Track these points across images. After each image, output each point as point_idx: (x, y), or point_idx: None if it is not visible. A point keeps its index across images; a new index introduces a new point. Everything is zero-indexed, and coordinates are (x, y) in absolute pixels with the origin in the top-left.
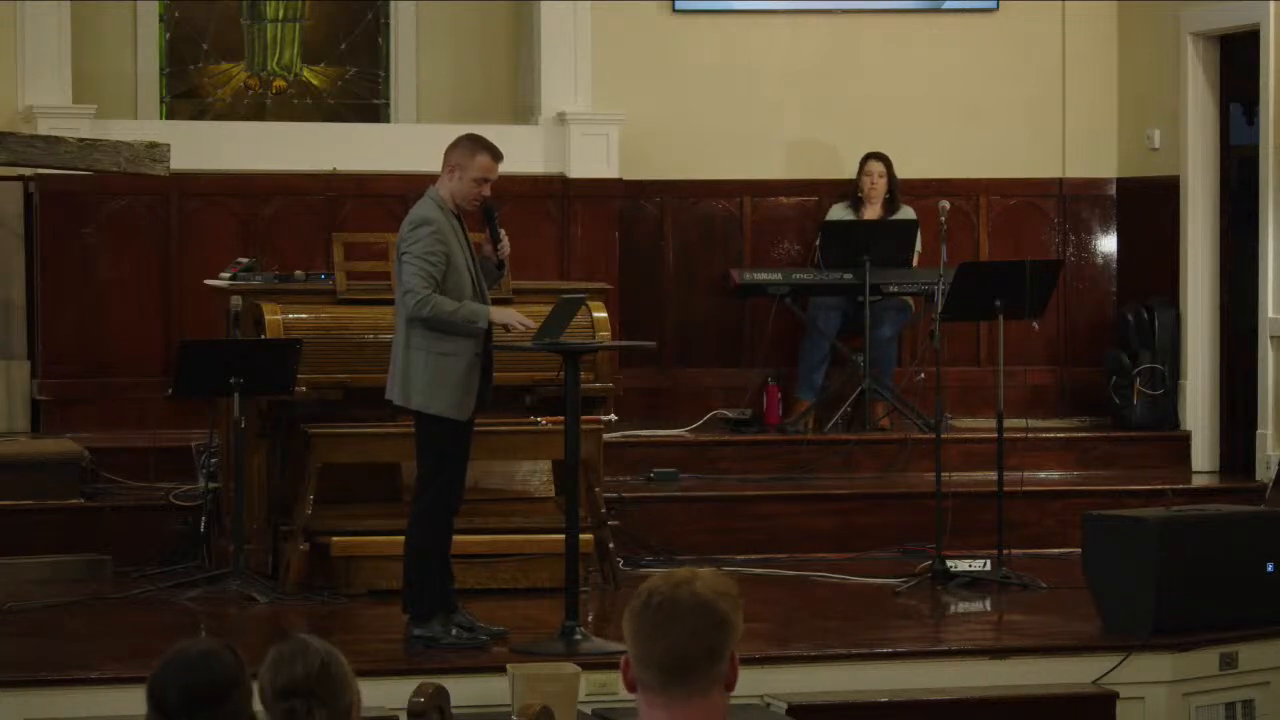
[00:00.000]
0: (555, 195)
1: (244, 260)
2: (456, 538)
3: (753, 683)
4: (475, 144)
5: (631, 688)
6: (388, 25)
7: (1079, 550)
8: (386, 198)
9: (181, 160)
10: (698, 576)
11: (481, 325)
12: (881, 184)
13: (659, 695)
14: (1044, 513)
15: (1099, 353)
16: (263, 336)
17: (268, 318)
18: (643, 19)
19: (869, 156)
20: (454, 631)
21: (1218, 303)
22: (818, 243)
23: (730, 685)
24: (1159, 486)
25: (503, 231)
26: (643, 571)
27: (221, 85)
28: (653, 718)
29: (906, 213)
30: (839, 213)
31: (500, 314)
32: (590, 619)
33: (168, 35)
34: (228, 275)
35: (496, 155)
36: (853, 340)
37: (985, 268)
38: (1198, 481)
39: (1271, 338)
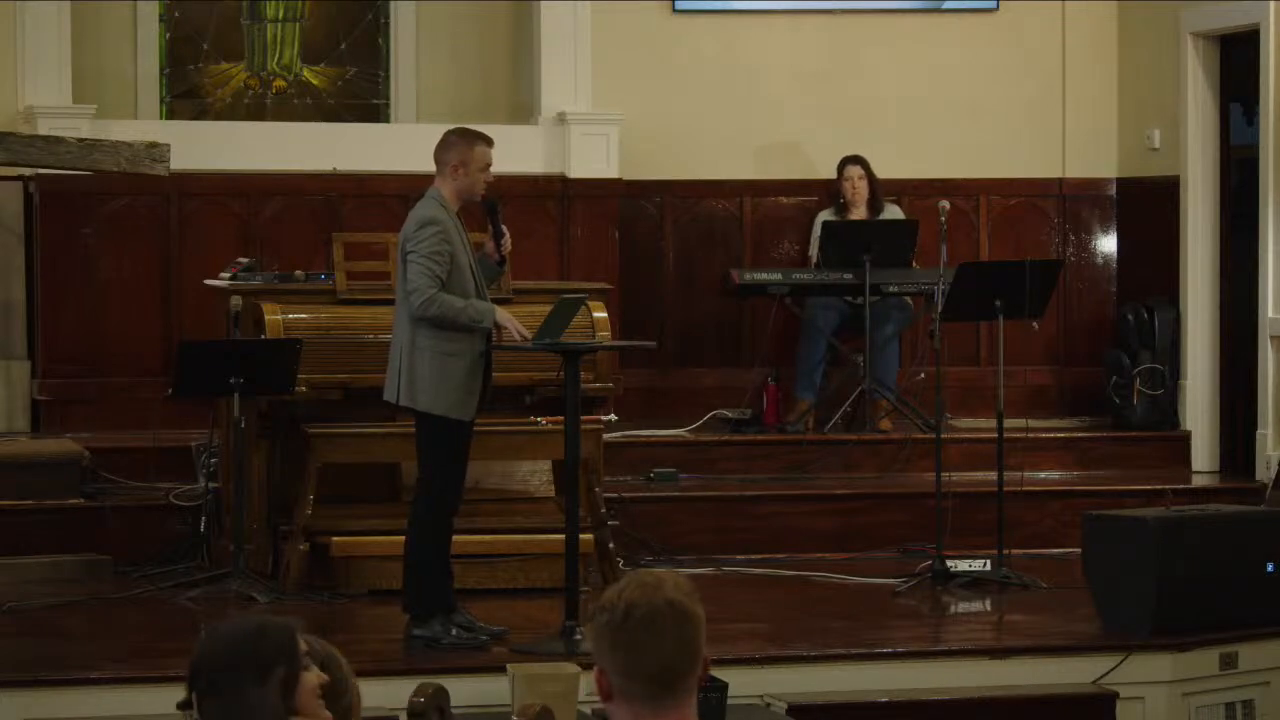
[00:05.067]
0: (555, 195)
1: (244, 260)
2: (456, 538)
3: (753, 683)
4: (470, 137)
5: (608, 698)
6: (388, 25)
7: (1079, 550)
8: (386, 198)
9: (181, 160)
10: (664, 581)
11: (487, 325)
12: (863, 186)
13: (646, 705)
14: (1044, 513)
15: (1099, 353)
16: (263, 336)
17: (268, 318)
18: (643, 19)
19: (846, 161)
20: (454, 631)
21: (1218, 303)
22: (813, 251)
23: (703, 681)
24: (1159, 486)
25: (504, 227)
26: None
27: (221, 85)
28: None
29: (893, 211)
30: (826, 218)
31: (505, 317)
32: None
33: (168, 35)
34: (228, 275)
35: (491, 142)
36: (853, 340)
37: (985, 268)
38: (1198, 481)
39: (1271, 338)
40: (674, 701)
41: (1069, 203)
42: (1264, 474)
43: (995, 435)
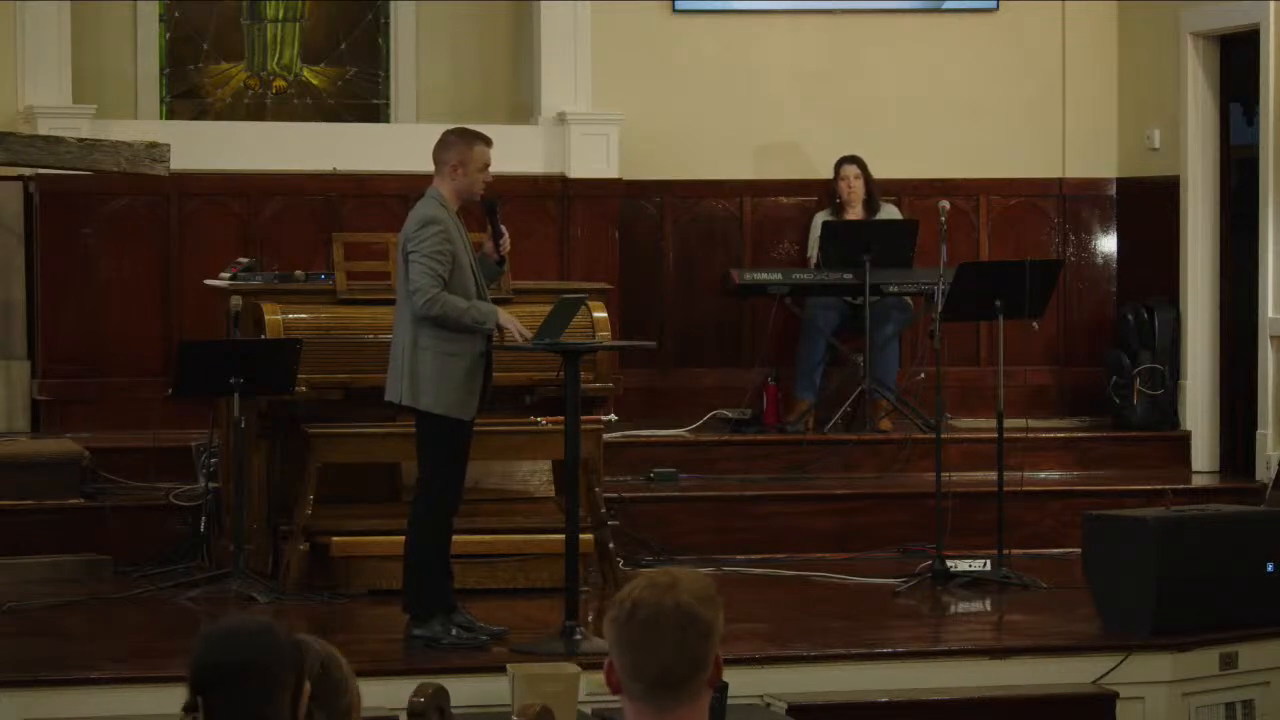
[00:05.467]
0: (555, 195)
1: (244, 260)
2: (456, 538)
3: (753, 683)
4: (469, 137)
5: (616, 690)
6: (388, 25)
7: (1079, 550)
8: (386, 198)
9: (181, 160)
10: (679, 582)
11: (489, 327)
12: (859, 185)
13: (647, 704)
14: (1044, 513)
15: (1099, 353)
16: (263, 336)
17: (268, 318)
18: (643, 19)
19: (843, 160)
20: (454, 631)
21: (1218, 303)
22: (811, 251)
23: (714, 684)
24: (1159, 486)
25: (503, 227)
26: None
27: (221, 85)
28: None
29: (890, 211)
30: (824, 219)
31: (507, 318)
32: (590, 619)
33: (168, 35)
34: (228, 275)
35: (489, 142)
36: (853, 340)
37: (985, 268)
38: (1198, 481)
39: (1271, 338)
40: (675, 703)
41: (1069, 203)
42: (1264, 474)
43: (995, 435)
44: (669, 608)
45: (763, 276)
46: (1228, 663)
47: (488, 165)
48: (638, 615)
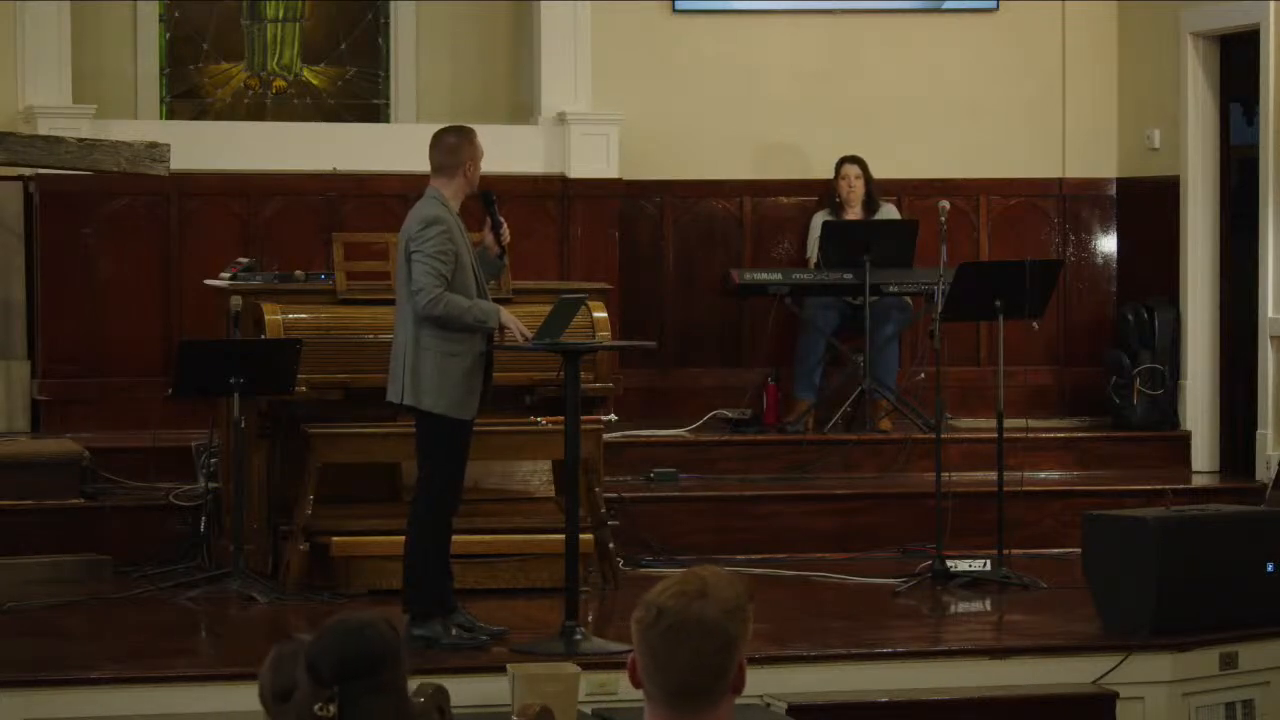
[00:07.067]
0: (555, 195)
1: (244, 260)
2: (456, 538)
3: (753, 683)
4: (468, 134)
5: (638, 686)
6: (388, 25)
7: (1079, 550)
8: (386, 198)
9: (181, 160)
10: (708, 590)
11: (491, 325)
12: (859, 185)
13: (663, 707)
14: (1044, 513)
15: (1099, 353)
16: (263, 336)
17: (268, 318)
18: (643, 19)
19: (844, 160)
20: (454, 631)
21: (1218, 303)
22: (810, 252)
23: (738, 689)
24: (1159, 486)
25: (502, 218)
26: (643, 572)
27: (221, 85)
28: None
29: (889, 211)
30: (823, 219)
31: (508, 318)
32: (590, 619)
33: (168, 35)
34: (228, 275)
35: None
36: (853, 340)
37: (985, 268)
38: (1198, 481)
39: (1271, 338)
40: (691, 708)
41: (1069, 203)
42: (1264, 474)
43: (995, 435)
44: (693, 619)
45: (763, 276)
46: (1228, 663)
47: (483, 154)
48: (661, 623)
